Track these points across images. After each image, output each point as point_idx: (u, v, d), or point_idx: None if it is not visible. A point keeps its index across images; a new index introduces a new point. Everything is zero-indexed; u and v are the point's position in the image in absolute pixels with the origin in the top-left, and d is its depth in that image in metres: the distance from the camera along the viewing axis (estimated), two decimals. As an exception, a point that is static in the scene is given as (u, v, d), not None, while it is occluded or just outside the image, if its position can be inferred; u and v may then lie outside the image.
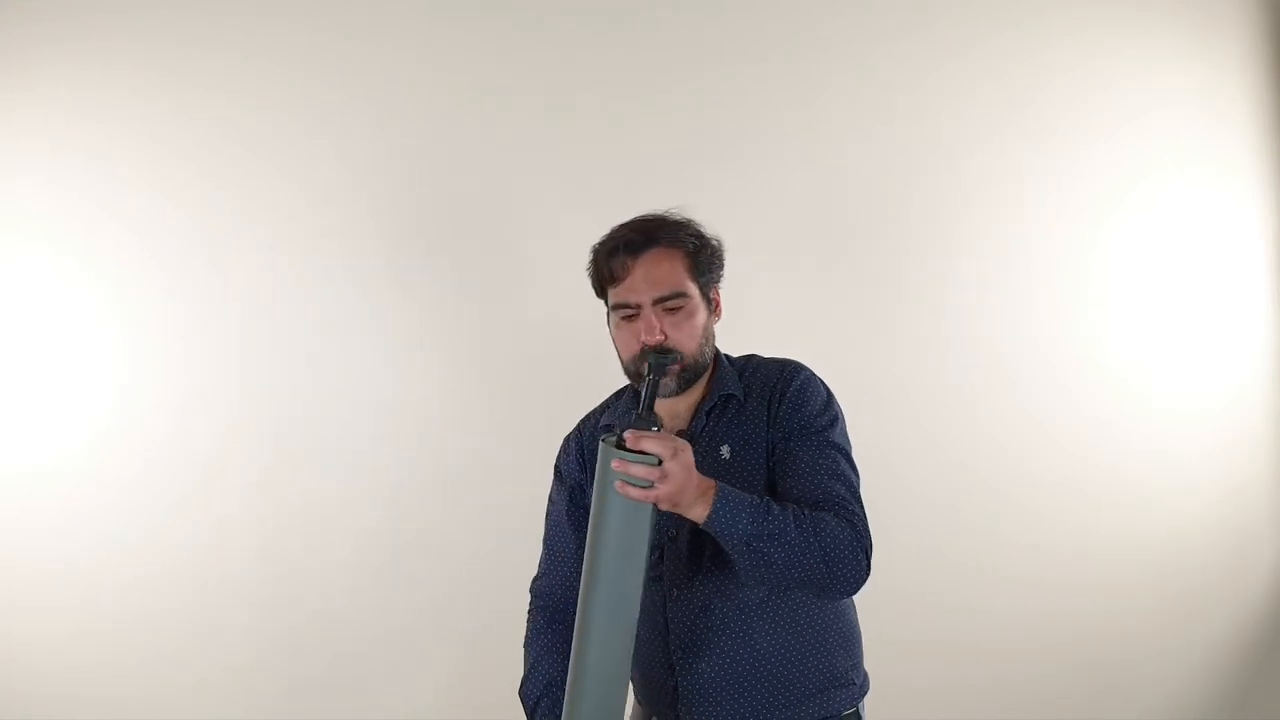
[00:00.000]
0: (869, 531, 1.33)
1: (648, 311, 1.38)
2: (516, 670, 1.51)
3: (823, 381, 1.47)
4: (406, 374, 2.32)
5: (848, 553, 1.29)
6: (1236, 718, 2.64)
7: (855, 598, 1.47)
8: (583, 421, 1.59)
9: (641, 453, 1.19)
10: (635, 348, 1.40)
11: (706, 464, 1.40)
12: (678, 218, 1.45)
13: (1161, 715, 2.61)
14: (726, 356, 1.51)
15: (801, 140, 2.43)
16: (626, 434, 1.20)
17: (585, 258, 1.46)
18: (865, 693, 1.47)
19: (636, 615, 1.28)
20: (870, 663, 1.51)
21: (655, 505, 1.21)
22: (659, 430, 1.22)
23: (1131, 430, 2.58)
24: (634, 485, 1.19)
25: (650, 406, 1.25)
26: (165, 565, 2.26)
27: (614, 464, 1.19)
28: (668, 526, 1.43)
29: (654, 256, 1.39)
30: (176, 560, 2.26)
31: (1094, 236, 2.56)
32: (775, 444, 1.40)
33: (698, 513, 1.24)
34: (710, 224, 1.48)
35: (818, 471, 1.35)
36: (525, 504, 1.76)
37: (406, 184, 2.32)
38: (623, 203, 1.53)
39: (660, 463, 1.18)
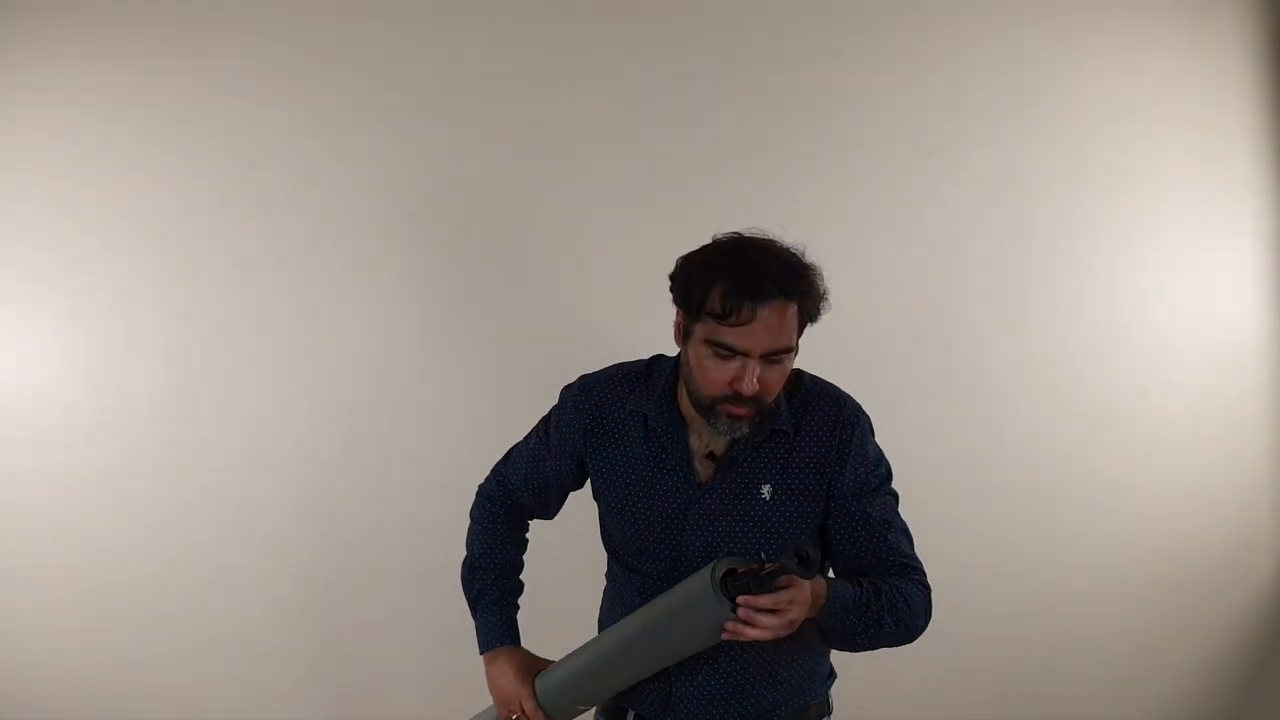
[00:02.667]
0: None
1: (753, 363, 1.27)
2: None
3: (869, 423, 1.44)
4: (409, 373, 2.33)
5: (923, 619, 1.37)
6: (1236, 718, 2.64)
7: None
8: (605, 385, 1.48)
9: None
10: (723, 388, 1.29)
11: (741, 502, 1.37)
12: (798, 259, 1.32)
13: (1162, 715, 2.61)
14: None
15: (810, 140, 2.44)
16: (740, 605, 1.19)
17: (592, 258, 1.44)
18: (833, 680, 1.52)
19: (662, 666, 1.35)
20: (870, 662, 1.52)
21: None
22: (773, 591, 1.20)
23: (1131, 430, 2.58)
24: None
25: (770, 587, 1.19)
26: (165, 566, 2.26)
27: (729, 626, 1.21)
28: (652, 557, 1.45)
29: (778, 310, 1.26)
30: (176, 561, 2.26)
31: (1095, 237, 2.56)
32: (841, 499, 1.39)
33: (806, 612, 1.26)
34: (725, 226, 1.38)
35: (888, 529, 1.39)
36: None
37: (415, 183, 2.32)
38: (634, 202, 1.51)
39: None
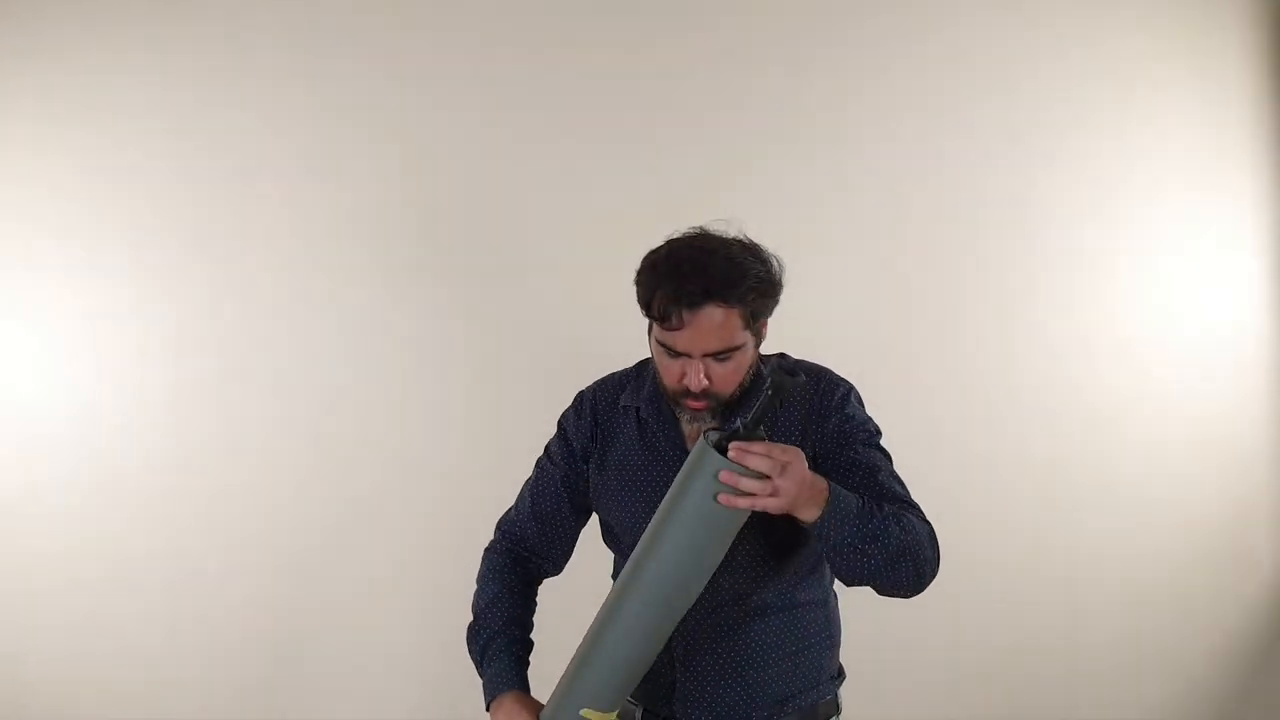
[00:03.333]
0: None
1: (696, 363, 1.31)
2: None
3: (851, 387, 1.45)
4: (407, 375, 2.33)
5: (929, 551, 1.31)
6: (1236, 718, 2.64)
7: (845, 595, 1.48)
8: (599, 387, 1.53)
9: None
10: (676, 384, 1.34)
11: None
12: (739, 257, 1.32)
13: (1162, 715, 2.61)
14: (760, 357, 1.44)
15: (808, 140, 2.44)
16: (731, 448, 1.15)
17: (587, 257, 1.43)
18: (843, 680, 1.50)
19: (674, 625, 1.27)
20: (869, 661, 1.52)
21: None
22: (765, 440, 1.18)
23: (1131, 430, 2.58)
24: (741, 495, 1.15)
25: (759, 424, 1.19)
26: (166, 567, 2.26)
27: (723, 475, 1.15)
28: None
29: (709, 314, 1.28)
30: (177, 561, 2.26)
31: (1095, 238, 2.57)
32: (829, 454, 1.38)
33: (807, 515, 1.21)
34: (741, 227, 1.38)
35: (876, 472, 1.36)
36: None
37: (414, 185, 2.33)
38: (629, 202, 1.51)
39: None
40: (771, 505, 1.16)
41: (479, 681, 1.41)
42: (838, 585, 1.50)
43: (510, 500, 1.57)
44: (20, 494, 2.22)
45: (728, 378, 1.34)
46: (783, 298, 1.36)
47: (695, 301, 1.28)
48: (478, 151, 2.34)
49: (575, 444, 1.51)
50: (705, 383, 1.32)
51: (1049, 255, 2.55)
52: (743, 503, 1.15)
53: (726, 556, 1.29)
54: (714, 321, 1.29)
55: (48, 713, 2.23)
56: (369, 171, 2.31)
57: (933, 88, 2.48)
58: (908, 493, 1.38)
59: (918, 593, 1.32)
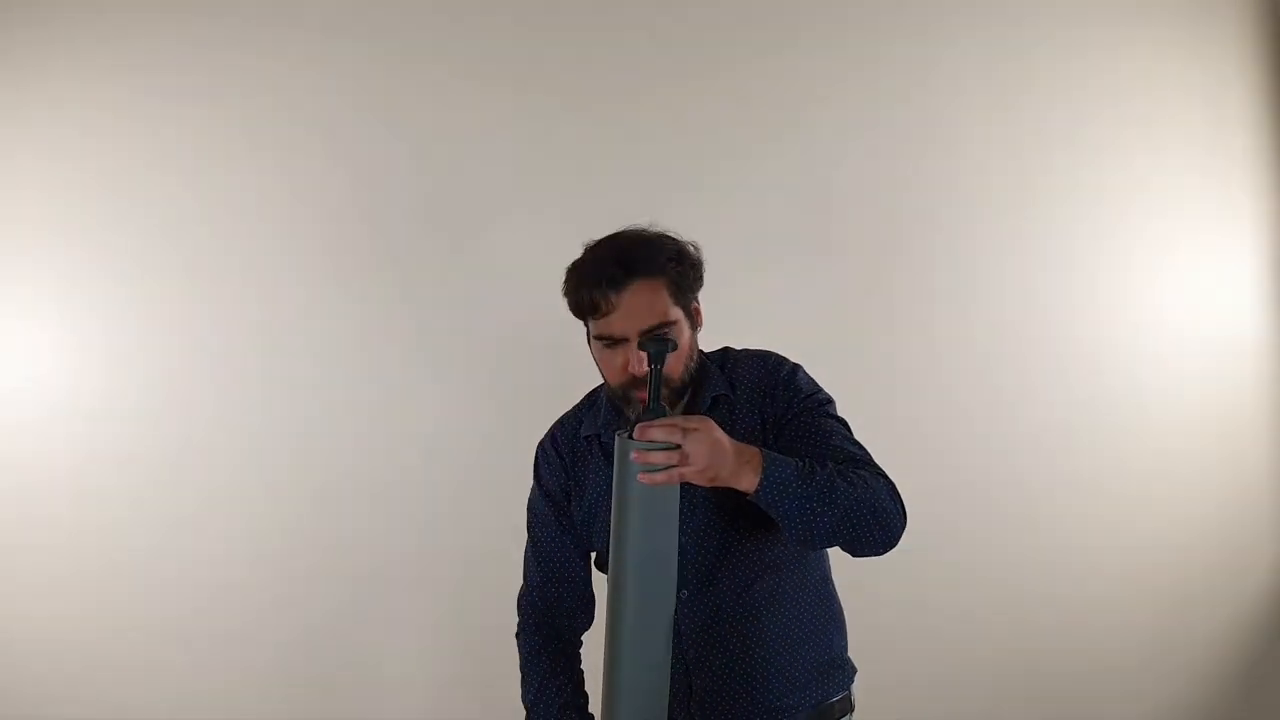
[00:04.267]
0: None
1: (633, 345, 1.33)
2: (514, 671, 1.49)
3: (795, 363, 1.47)
4: (406, 380, 2.33)
5: (889, 502, 1.29)
6: (1237, 717, 2.64)
7: (848, 593, 1.49)
8: (557, 426, 1.54)
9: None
10: (622, 376, 1.36)
11: None
12: (653, 236, 1.38)
13: (1161, 715, 2.61)
14: (703, 353, 1.47)
15: (797, 142, 2.43)
16: (636, 428, 1.17)
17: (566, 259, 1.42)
18: (855, 675, 1.49)
19: (671, 616, 1.27)
20: (870, 660, 1.52)
21: (684, 505, 1.19)
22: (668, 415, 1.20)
23: (1131, 430, 2.58)
24: (658, 472, 1.16)
25: (657, 397, 1.22)
26: (166, 567, 2.27)
27: (633, 456, 1.16)
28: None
29: (636, 290, 1.33)
30: (177, 562, 2.27)
31: (1095, 239, 2.56)
32: (781, 428, 1.39)
33: (746, 482, 1.21)
34: (692, 227, 1.42)
35: (832, 436, 1.35)
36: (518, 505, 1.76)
37: (406, 189, 2.32)
38: (606, 204, 1.51)
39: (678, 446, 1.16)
40: (689, 473, 1.17)
41: (479, 683, 1.41)
42: (840, 585, 1.51)
43: (511, 502, 1.57)
44: (19, 493, 2.23)
45: (669, 359, 1.34)
46: (779, 301, 1.37)
47: (619, 280, 1.33)
48: (475, 152, 2.34)
49: (554, 489, 1.50)
50: (646, 367, 1.31)
51: (1049, 256, 2.54)
52: (660, 477, 1.16)
53: (712, 549, 1.33)
54: (642, 297, 1.33)
55: (47, 713, 2.23)
56: (374, 170, 2.31)
57: (929, 91, 2.48)
58: (866, 453, 1.36)
59: (888, 547, 1.30)
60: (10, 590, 2.24)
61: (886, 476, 1.32)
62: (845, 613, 1.52)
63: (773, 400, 1.41)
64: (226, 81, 2.27)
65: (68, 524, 2.23)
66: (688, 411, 1.41)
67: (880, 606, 2.35)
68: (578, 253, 1.40)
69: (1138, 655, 2.59)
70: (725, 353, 1.49)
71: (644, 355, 1.29)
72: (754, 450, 1.22)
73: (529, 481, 1.55)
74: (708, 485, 1.20)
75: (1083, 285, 2.56)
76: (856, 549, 1.29)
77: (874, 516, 1.26)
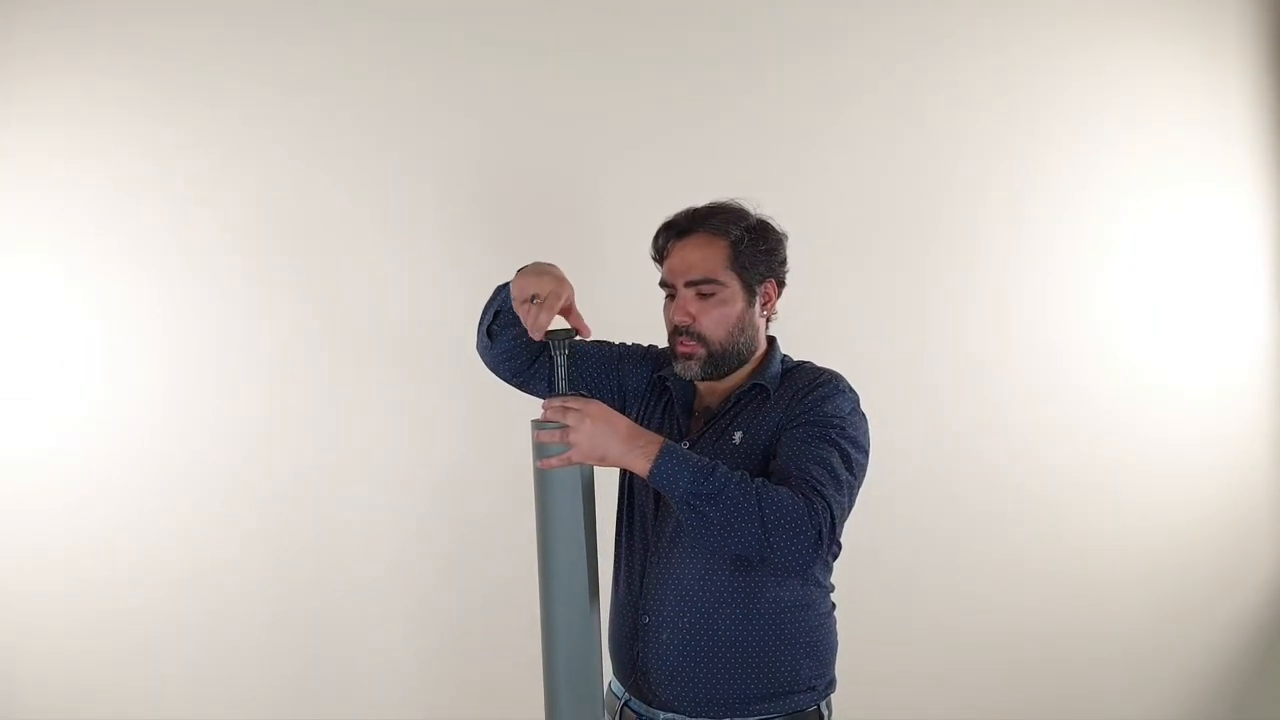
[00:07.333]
0: (832, 519, 1.27)
1: (682, 293, 1.45)
2: (512, 673, 1.49)
3: (854, 398, 1.45)
4: (405, 381, 2.33)
5: (790, 524, 1.23)
6: (1236, 718, 2.64)
7: (852, 600, 1.48)
8: (661, 353, 1.64)
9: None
10: (672, 325, 1.48)
11: (718, 446, 1.44)
12: (734, 206, 1.49)
13: (1161, 715, 2.61)
14: (785, 356, 1.54)
15: (828, 141, 2.44)
16: (542, 406, 1.29)
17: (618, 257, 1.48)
18: (830, 693, 1.48)
19: (591, 594, 1.34)
20: (869, 659, 1.52)
21: (591, 482, 1.30)
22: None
23: (1132, 430, 2.58)
24: (553, 456, 1.28)
25: (566, 379, 1.34)
26: (166, 568, 2.27)
27: (536, 435, 1.28)
28: (642, 496, 1.49)
29: (694, 242, 1.46)
30: (176, 562, 2.27)
31: (1095, 239, 2.57)
32: (783, 429, 1.41)
33: (638, 466, 1.27)
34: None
35: (803, 455, 1.34)
36: (514, 506, 1.76)
37: (416, 183, 2.32)
38: (638, 198, 1.51)
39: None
40: (574, 454, 1.26)
41: (475, 681, 1.43)
42: (842, 591, 1.50)
43: (506, 505, 1.57)
44: (20, 494, 2.22)
45: (711, 316, 1.44)
46: (797, 300, 1.39)
47: (682, 229, 1.48)
48: (479, 150, 2.34)
49: (642, 364, 1.62)
50: (688, 319, 1.44)
51: (1050, 257, 2.55)
52: (554, 462, 1.27)
53: (675, 525, 1.40)
54: (696, 249, 1.46)
55: (46, 713, 2.23)
56: (376, 170, 2.31)
57: (935, 91, 2.48)
58: (829, 479, 1.30)
59: (789, 569, 1.30)
60: (12, 591, 2.24)
61: (815, 503, 1.26)
62: (843, 614, 1.51)
63: (792, 404, 1.43)
64: (226, 81, 2.26)
65: (64, 526, 2.23)
66: (730, 387, 1.49)
67: (879, 608, 2.35)
68: (590, 254, 1.42)
69: (1138, 654, 2.60)
70: (801, 363, 1.55)
71: (685, 305, 1.44)
72: (656, 440, 1.28)
73: (511, 476, 1.66)
74: (598, 465, 1.29)
75: (1082, 287, 2.57)
76: (759, 562, 1.30)
77: (763, 530, 1.24)
